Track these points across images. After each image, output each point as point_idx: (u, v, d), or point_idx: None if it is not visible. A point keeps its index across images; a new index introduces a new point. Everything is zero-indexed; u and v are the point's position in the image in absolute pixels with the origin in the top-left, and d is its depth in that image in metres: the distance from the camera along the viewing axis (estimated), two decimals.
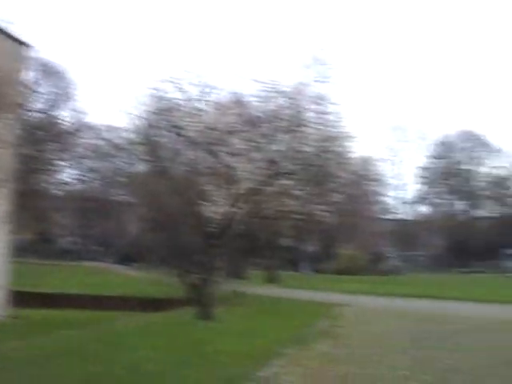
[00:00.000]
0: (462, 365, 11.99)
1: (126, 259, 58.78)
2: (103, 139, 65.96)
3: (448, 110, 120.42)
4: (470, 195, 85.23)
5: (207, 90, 19.45)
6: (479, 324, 20.36)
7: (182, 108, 19.35)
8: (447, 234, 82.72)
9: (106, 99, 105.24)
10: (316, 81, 19.72)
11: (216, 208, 18.96)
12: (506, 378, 10.84)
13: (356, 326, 19.32)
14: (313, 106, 20.13)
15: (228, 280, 28.81)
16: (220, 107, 19.91)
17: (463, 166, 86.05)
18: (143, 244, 36.08)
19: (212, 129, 18.85)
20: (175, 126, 19.56)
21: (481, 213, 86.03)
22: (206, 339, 14.80)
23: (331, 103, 20.76)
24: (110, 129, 61.61)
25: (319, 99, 20.35)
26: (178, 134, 20.39)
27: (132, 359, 11.64)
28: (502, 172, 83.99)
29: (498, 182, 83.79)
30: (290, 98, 19.40)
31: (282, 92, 19.47)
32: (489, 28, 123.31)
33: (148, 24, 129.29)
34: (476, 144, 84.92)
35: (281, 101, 19.56)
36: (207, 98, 19.64)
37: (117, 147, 60.75)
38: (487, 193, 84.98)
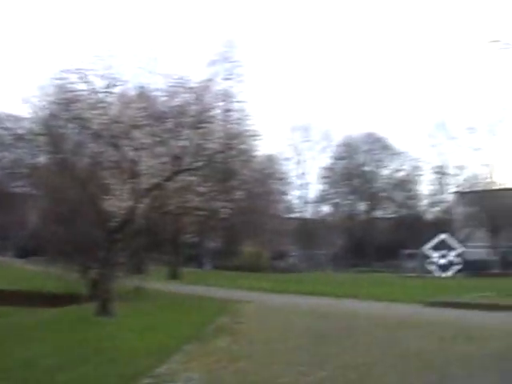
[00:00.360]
0: (357, 361, 12.22)
1: (25, 253, 57.24)
2: (4, 128, 64.29)
3: (352, 111, 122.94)
4: (372, 196, 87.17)
5: (112, 82, 19.15)
6: (375, 321, 20.79)
7: (86, 99, 18.98)
8: (348, 234, 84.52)
9: (9, 87, 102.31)
10: (223, 78, 19.83)
11: (119, 202, 18.69)
12: (400, 373, 11.11)
13: (256, 323, 19.44)
14: (219, 103, 20.21)
15: (129, 275, 28.47)
16: (125, 100, 19.67)
17: (365, 168, 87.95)
18: (43, 237, 35.31)
19: (116, 122, 18.59)
20: (78, 118, 19.17)
21: (381, 214, 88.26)
22: (105, 335, 14.62)
23: (237, 101, 20.95)
24: (12, 118, 60.12)
25: (225, 96, 20.48)
26: (82, 126, 20.04)
27: (27, 354, 11.39)
28: (402, 174, 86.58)
29: (399, 184, 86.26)
30: (196, 94, 19.38)
31: (189, 88, 19.43)
32: (391, 31, 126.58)
33: (55, 13, 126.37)
34: (378, 146, 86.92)
35: (187, 96, 19.52)
36: (112, 91, 19.34)
37: (18, 137, 59.37)
38: (388, 194, 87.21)
